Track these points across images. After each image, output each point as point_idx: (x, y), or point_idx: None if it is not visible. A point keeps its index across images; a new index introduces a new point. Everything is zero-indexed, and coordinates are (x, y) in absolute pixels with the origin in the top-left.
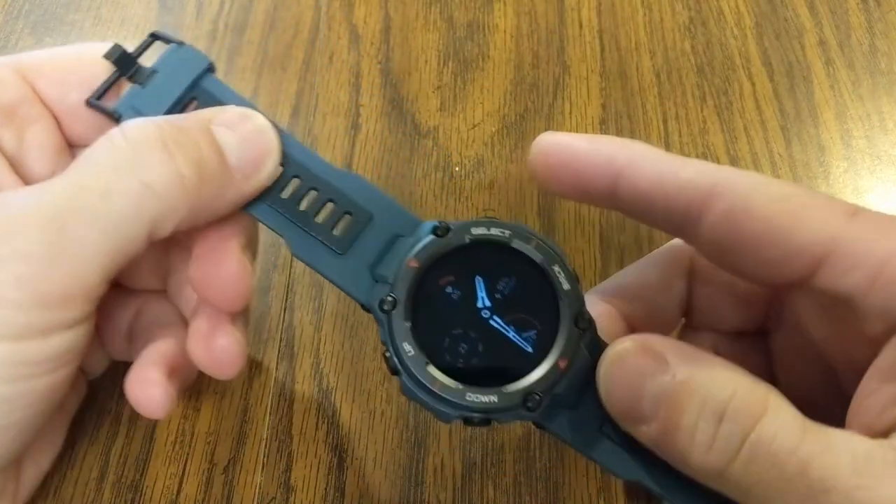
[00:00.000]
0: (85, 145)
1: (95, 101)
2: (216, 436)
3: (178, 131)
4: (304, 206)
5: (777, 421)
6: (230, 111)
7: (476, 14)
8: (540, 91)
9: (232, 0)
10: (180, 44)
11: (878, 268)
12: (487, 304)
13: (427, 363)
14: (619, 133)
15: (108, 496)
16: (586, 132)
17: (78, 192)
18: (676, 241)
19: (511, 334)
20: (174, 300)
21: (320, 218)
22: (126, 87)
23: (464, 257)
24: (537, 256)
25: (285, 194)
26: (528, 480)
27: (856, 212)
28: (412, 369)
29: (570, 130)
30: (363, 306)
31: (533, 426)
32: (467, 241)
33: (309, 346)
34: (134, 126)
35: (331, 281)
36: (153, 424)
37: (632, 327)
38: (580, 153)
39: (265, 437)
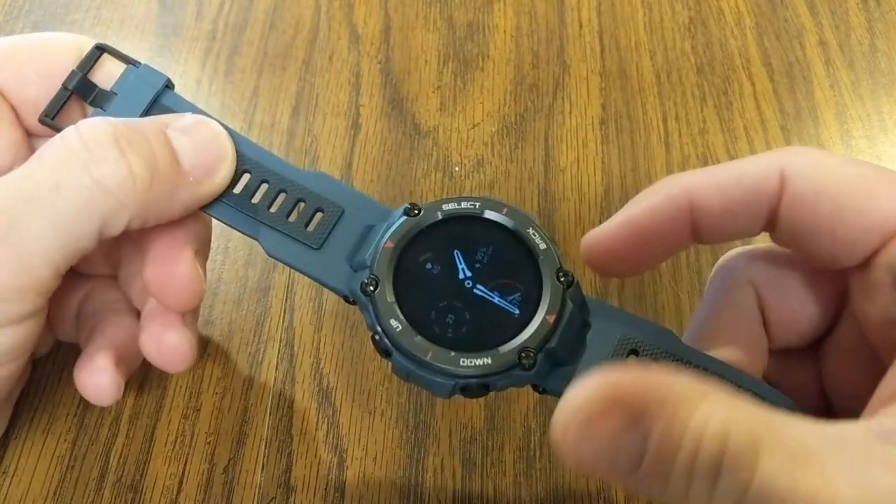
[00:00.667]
0: (45, 136)
1: (49, 121)
2: (216, 436)
3: (132, 131)
4: (274, 208)
5: (774, 459)
6: (186, 117)
7: (476, 14)
8: (540, 91)
9: (232, 0)
10: (136, 63)
11: None
12: (468, 274)
13: (416, 335)
14: (618, 133)
15: (108, 496)
16: (586, 132)
17: (29, 186)
18: (736, 273)
19: (496, 300)
20: (124, 289)
21: (292, 217)
22: (76, 104)
23: (438, 233)
24: (510, 222)
25: (255, 199)
26: (528, 480)
27: None
28: (402, 344)
29: (570, 130)
30: (346, 298)
31: (533, 399)
32: (439, 216)
33: (309, 346)
34: (88, 124)
35: (310, 276)
36: (153, 424)
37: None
38: (647, 227)
39: (265, 437)
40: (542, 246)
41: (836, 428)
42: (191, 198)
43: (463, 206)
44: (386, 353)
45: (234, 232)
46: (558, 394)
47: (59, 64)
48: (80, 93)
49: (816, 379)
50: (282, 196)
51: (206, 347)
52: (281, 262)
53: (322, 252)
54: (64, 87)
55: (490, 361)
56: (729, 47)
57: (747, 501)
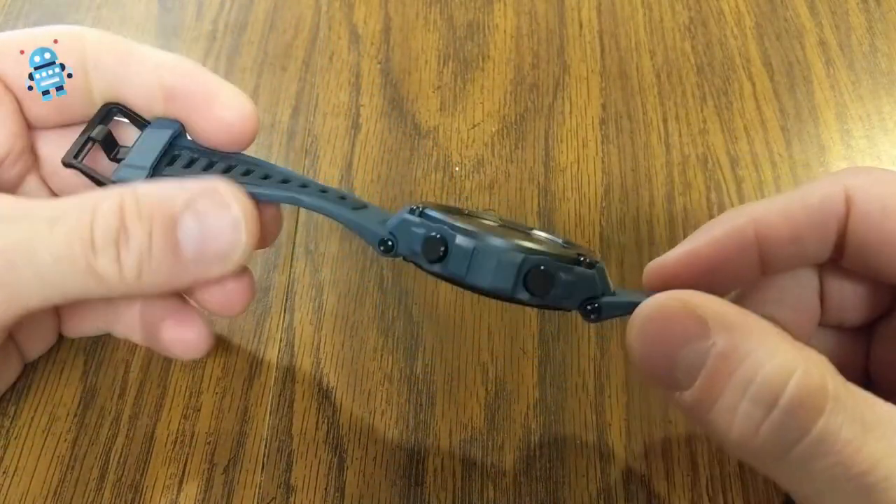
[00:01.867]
0: (46, 126)
1: (74, 161)
2: (216, 436)
3: (136, 219)
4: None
5: (840, 415)
6: (212, 197)
7: (476, 14)
8: (540, 91)
9: (232, 0)
10: (147, 122)
11: None
12: (505, 219)
13: (477, 226)
14: (619, 133)
15: (108, 496)
16: (586, 132)
17: (36, 242)
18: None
19: (544, 232)
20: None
21: (327, 192)
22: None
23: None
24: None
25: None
26: (528, 480)
27: None
28: (466, 227)
29: (570, 130)
30: (382, 243)
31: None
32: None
33: (309, 346)
34: (104, 212)
35: (351, 225)
36: (153, 424)
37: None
38: (712, 258)
39: (265, 437)
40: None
41: None
42: (192, 280)
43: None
44: (443, 247)
45: None
46: (610, 312)
47: (63, 53)
48: (103, 146)
49: (862, 359)
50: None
51: None
52: (324, 212)
53: (357, 212)
54: (89, 137)
55: (556, 245)
56: (729, 47)
57: (803, 444)
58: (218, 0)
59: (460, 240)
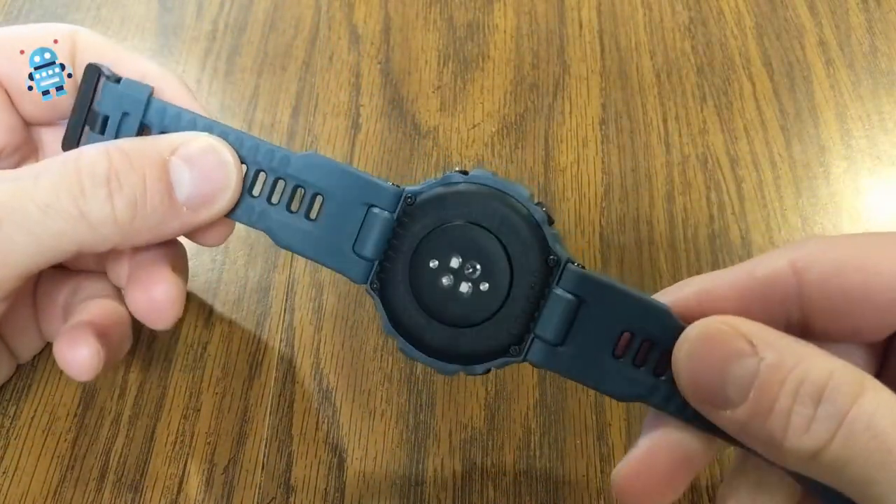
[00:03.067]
0: (38, 124)
1: (72, 147)
2: (216, 436)
3: (128, 167)
4: (275, 198)
5: (876, 398)
6: (196, 142)
7: (476, 14)
8: (540, 91)
9: (232, 0)
10: (116, 80)
11: None
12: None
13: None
14: (618, 133)
15: (108, 496)
16: (586, 132)
17: (21, 197)
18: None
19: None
20: (114, 280)
21: (294, 206)
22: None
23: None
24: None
25: (255, 191)
26: (528, 480)
27: None
28: (401, 344)
29: (570, 130)
30: (354, 281)
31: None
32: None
33: (309, 346)
34: (88, 156)
35: (318, 262)
36: (153, 424)
37: None
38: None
39: (265, 437)
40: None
41: None
42: (182, 226)
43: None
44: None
45: (234, 232)
46: (557, 369)
47: (61, 53)
48: (89, 124)
49: (875, 371)
50: (280, 184)
51: (206, 347)
52: (291, 251)
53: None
54: (84, 118)
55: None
56: (729, 47)
57: (844, 427)
58: (218, 0)
59: (401, 344)
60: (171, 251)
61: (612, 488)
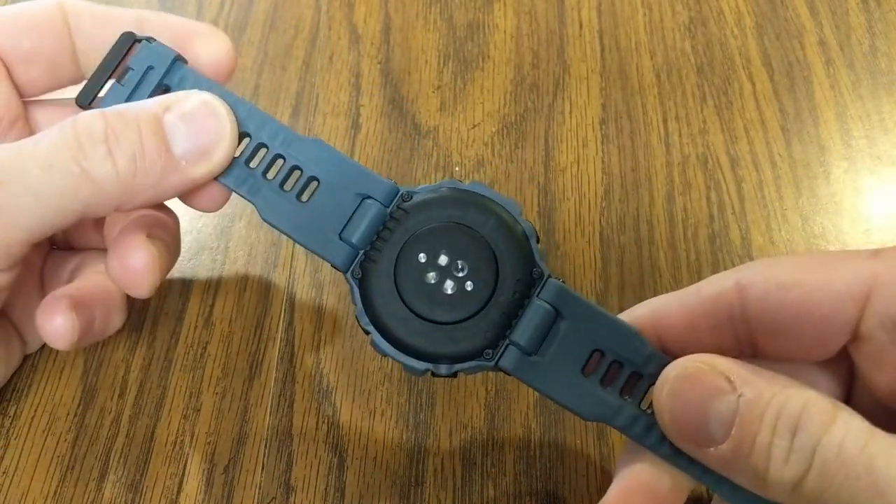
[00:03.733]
0: (38, 93)
1: (89, 104)
2: (216, 436)
3: (124, 125)
4: (271, 174)
5: (846, 426)
6: (189, 99)
7: (476, 14)
8: (540, 91)
9: (232, 0)
10: (149, 39)
11: None
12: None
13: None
14: (619, 133)
15: (108, 496)
16: (586, 132)
17: (23, 158)
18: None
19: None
20: None
21: (287, 185)
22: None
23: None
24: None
25: (252, 164)
26: (528, 480)
27: (876, 252)
28: (375, 340)
29: (570, 130)
30: (335, 267)
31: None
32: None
33: (309, 346)
34: (83, 118)
35: (302, 244)
36: (153, 424)
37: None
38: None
39: (265, 437)
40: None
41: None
42: (181, 181)
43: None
44: (367, 331)
45: (234, 232)
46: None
47: (47, 21)
48: (115, 77)
49: (841, 390)
50: (279, 162)
51: (206, 347)
52: (275, 227)
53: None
54: (107, 77)
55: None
56: (729, 47)
57: (817, 456)
58: (218, 0)
59: (376, 340)
60: (154, 220)
61: None
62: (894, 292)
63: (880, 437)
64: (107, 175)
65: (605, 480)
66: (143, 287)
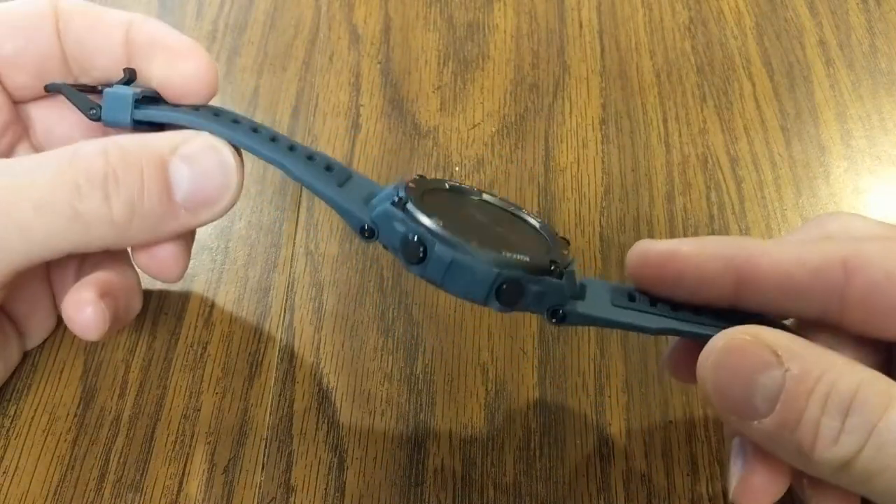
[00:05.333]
0: (27, 97)
1: (59, 84)
2: (216, 436)
3: (126, 167)
4: (295, 151)
5: None
6: (198, 141)
7: (476, 14)
8: (540, 91)
9: (232, 0)
10: (101, 89)
11: None
12: (487, 198)
13: (456, 230)
14: (619, 133)
15: (108, 496)
16: (586, 132)
17: (15, 194)
18: None
19: (522, 213)
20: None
21: (312, 161)
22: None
23: (451, 195)
24: (508, 206)
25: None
26: (528, 480)
27: None
28: (445, 234)
29: (570, 130)
30: (363, 231)
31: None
32: (447, 186)
33: (309, 346)
34: (84, 153)
35: (331, 202)
36: (153, 424)
37: None
38: (692, 261)
39: (265, 437)
40: (538, 224)
41: None
42: (180, 227)
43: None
44: (423, 251)
45: (234, 232)
46: (579, 317)
47: (35, 21)
48: (80, 107)
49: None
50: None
51: (206, 347)
52: (306, 186)
53: (342, 188)
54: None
55: (528, 259)
56: (729, 47)
57: (873, 437)
58: (218, 0)
59: (439, 248)
60: None
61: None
62: None
63: None
64: (101, 219)
65: (605, 480)
66: (175, 274)
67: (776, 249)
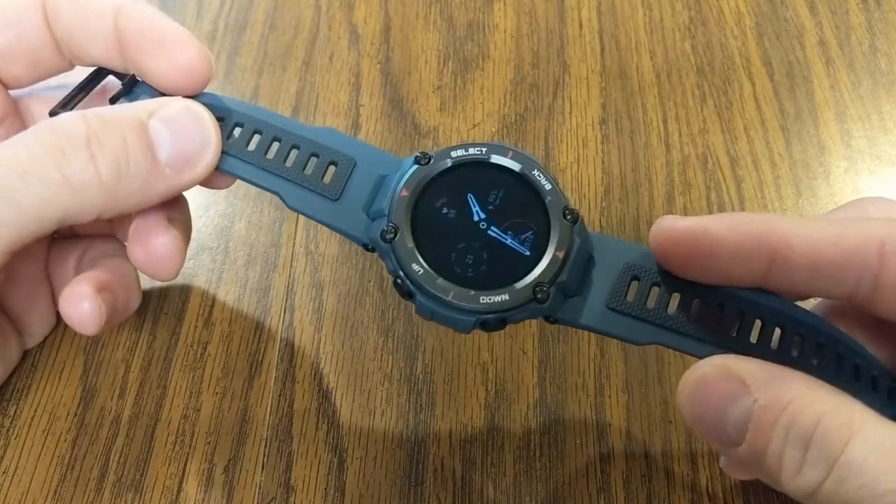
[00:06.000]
0: (23, 86)
1: (62, 110)
2: (216, 436)
3: (107, 128)
4: (289, 162)
5: (867, 443)
6: (174, 104)
7: (476, 14)
8: (540, 91)
9: (232, 0)
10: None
11: None
12: (482, 216)
13: (437, 277)
14: (618, 133)
15: (108, 496)
16: (586, 132)
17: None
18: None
19: (509, 241)
20: (121, 237)
21: (308, 171)
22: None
23: (451, 179)
24: (516, 165)
25: (270, 155)
26: (528, 480)
27: None
28: (425, 286)
29: (570, 130)
30: (365, 247)
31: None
32: (449, 164)
33: (309, 346)
34: (63, 120)
35: (331, 227)
36: (153, 424)
37: None
38: (724, 241)
39: (265, 437)
40: (548, 186)
41: None
42: (167, 188)
43: (471, 151)
44: (408, 295)
45: (234, 232)
46: (570, 323)
47: (23, 12)
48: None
49: None
50: (294, 152)
51: (206, 347)
52: (302, 214)
53: (340, 203)
54: (79, 89)
55: (507, 298)
56: (729, 47)
57: (834, 473)
58: (218, 0)
59: (421, 298)
60: (171, 206)
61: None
62: None
63: None
64: (88, 181)
65: (605, 480)
66: (170, 272)
67: (809, 228)
